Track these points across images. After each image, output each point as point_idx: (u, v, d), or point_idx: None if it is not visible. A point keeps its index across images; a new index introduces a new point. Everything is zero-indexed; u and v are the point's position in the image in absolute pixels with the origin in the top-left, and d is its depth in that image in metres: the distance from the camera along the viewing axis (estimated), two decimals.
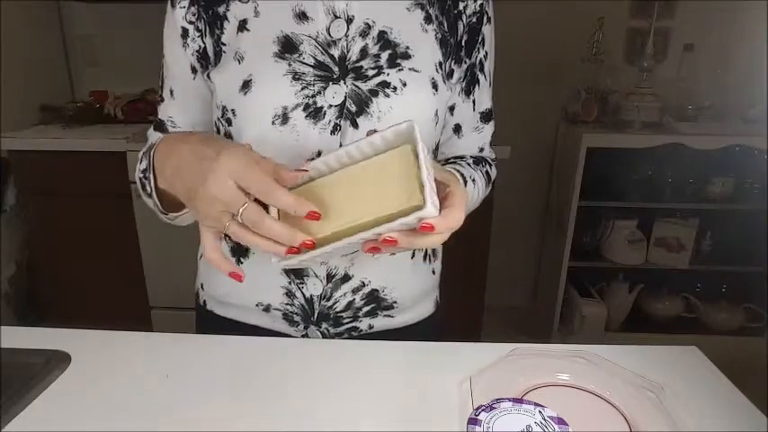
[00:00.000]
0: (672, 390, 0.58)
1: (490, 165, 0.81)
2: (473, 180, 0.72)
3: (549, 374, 0.62)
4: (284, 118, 0.64)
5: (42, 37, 2.24)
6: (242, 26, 0.66)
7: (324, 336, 0.75)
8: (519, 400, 0.54)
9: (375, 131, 0.54)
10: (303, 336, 0.76)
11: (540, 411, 0.53)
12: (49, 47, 2.28)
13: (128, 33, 2.27)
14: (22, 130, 2.02)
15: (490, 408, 0.53)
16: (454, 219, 0.52)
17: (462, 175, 0.69)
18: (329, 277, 0.72)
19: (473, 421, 0.51)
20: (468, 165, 0.76)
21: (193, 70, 0.70)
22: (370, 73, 0.65)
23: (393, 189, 0.51)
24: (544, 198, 2.42)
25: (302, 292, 0.73)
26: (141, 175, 0.65)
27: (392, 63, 0.66)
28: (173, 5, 0.68)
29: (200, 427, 0.56)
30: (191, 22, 0.68)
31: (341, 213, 0.53)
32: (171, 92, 0.73)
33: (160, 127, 0.75)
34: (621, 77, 2.10)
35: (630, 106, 1.97)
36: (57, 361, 0.65)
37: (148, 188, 0.64)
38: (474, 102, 0.76)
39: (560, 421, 0.51)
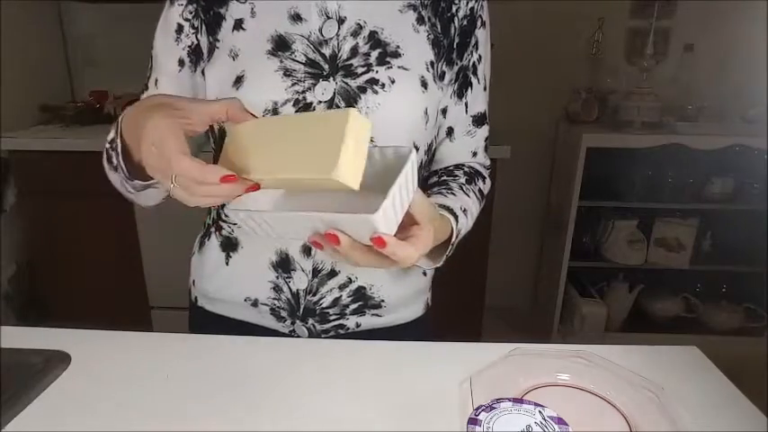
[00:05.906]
0: (672, 390, 0.58)
1: (483, 178, 0.79)
2: (464, 211, 0.69)
3: (549, 374, 0.62)
4: (274, 113, 0.66)
5: (42, 37, 2.23)
6: (238, 25, 0.68)
7: (310, 332, 0.76)
8: (519, 400, 0.54)
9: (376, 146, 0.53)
10: (291, 332, 0.76)
11: (540, 411, 0.53)
12: (49, 47, 2.27)
13: (128, 33, 2.26)
14: (22, 130, 2.02)
15: (490, 408, 0.53)
16: (406, 250, 0.49)
17: (452, 211, 0.66)
18: (315, 272, 0.72)
19: (473, 421, 0.51)
20: (461, 188, 0.73)
21: (180, 63, 0.71)
22: (360, 70, 0.67)
23: (314, 153, 0.47)
24: (544, 198, 2.42)
25: (289, 287, 0.73)
26: (108, 146, 0.61)
27: (381, 61, 0.67)
28: (171, 2, 0.70)
29: (199, 426, 0.56)
30: (186, 20, 0.70)
31: (269, 164, 0.51)
32: (156, 81, 0.74)
33: None
34: (621, 77, 2.10)
35: (630, 106, 1.97)
36: (57, 361, 0.65)
37: (114, 160, 0.59)
38: (466, 105, 0.76)
39: (560, 421, 0.51)
